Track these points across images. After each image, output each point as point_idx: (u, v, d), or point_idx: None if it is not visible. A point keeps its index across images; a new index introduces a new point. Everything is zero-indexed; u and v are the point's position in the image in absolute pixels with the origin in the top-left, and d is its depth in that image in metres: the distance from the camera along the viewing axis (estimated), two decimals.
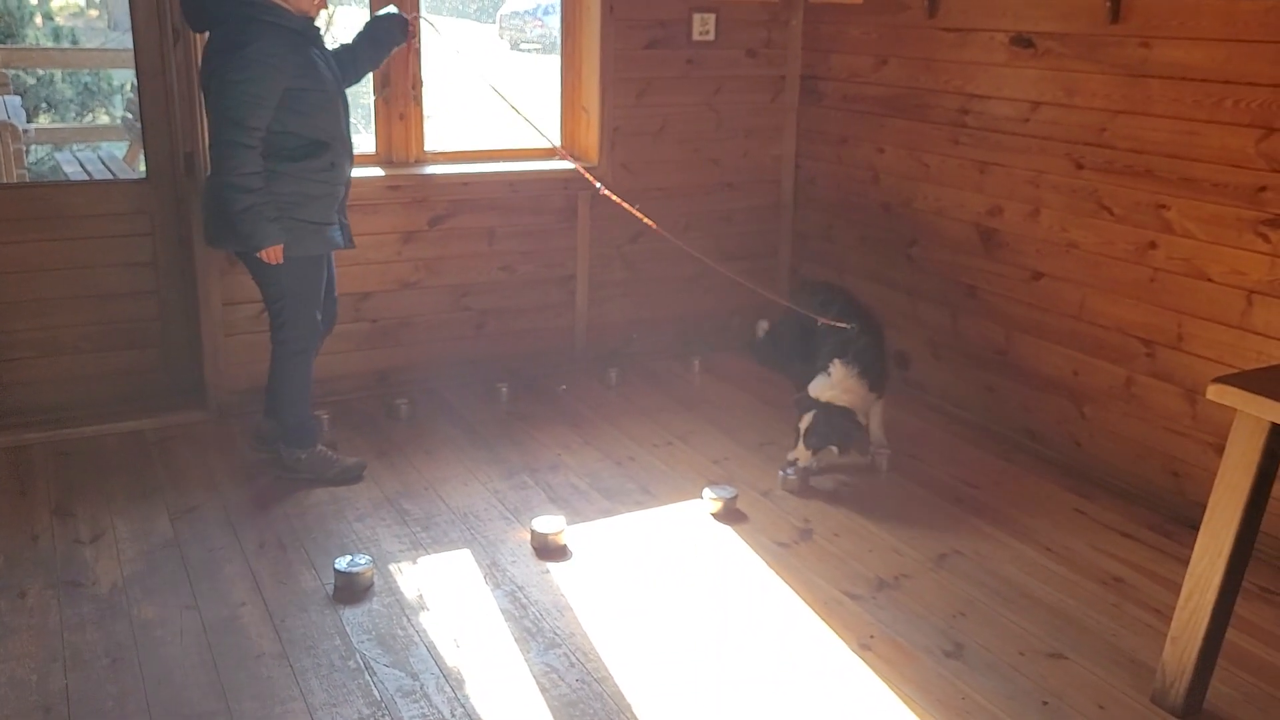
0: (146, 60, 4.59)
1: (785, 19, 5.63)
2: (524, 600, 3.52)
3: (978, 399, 4.97)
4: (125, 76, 9.44)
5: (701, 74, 5.49)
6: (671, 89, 5.45)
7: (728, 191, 5.76)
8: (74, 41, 10.07)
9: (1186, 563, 3.01)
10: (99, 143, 9.14)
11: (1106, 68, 4.19)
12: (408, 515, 4.04)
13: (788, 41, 5.67)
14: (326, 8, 3.99)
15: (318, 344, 4.28)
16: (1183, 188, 3.99)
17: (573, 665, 3.19)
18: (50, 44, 9.88)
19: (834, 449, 4.31)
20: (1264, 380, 2.81)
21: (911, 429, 4.92)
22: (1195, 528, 3.01)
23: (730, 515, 4.10)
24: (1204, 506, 2.94)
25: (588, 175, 4.82)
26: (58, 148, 9.03)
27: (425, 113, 5.11)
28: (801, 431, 4.29)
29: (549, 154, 5.04)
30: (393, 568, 3.68)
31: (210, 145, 3.92)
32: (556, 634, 3.34)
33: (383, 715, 2.96)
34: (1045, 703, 3.08)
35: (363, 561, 3.57)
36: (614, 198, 4.72)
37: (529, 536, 3.88)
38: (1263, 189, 3.74)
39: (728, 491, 4.14)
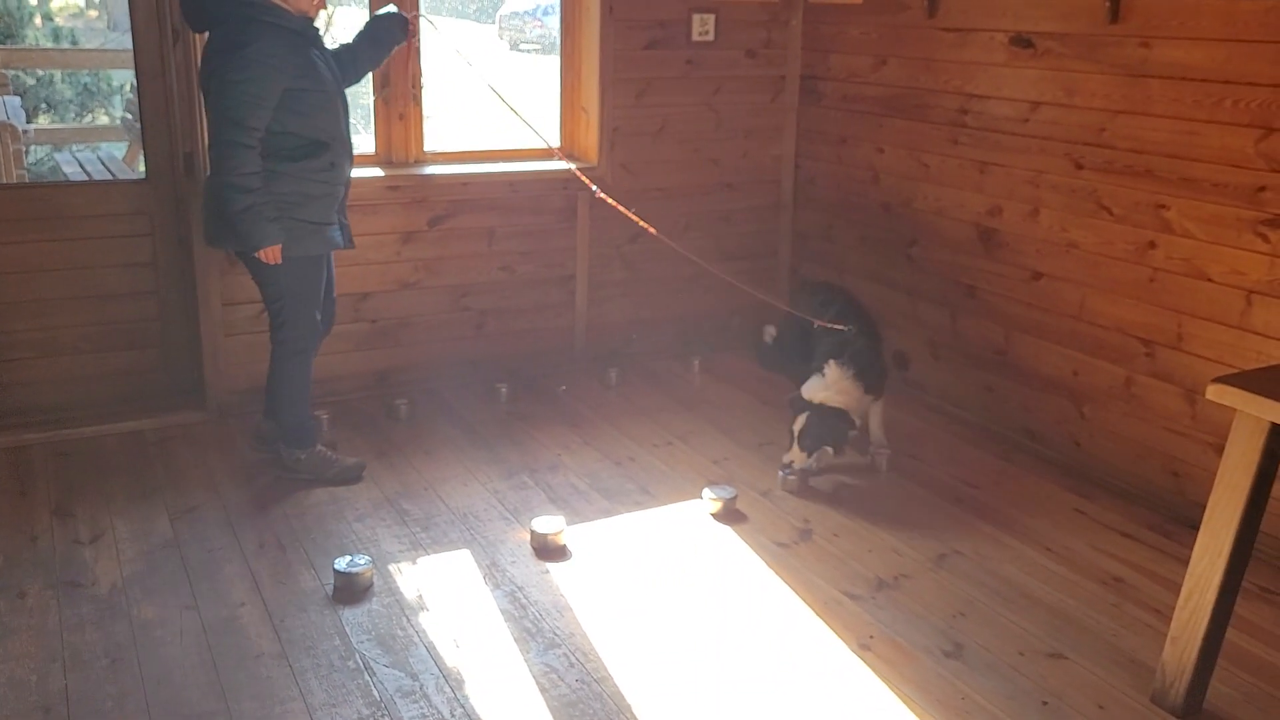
0: (146, 61, 4.59)
1: (785, 19, 5.63)
2: (523, 600, 3.52)
3: (977, 399, 4.97)
4: (125, 77, 9.44)
5: (701, 74, 5.49)
6: (671, 89, 5.45)
7: (727, 192, 5.76)
8: (73, 42, 10.07)
9: (1186, 563, 3.01)
10: (98, 143, 9.15)
11: (1106, 68, 4.19)
12: (407, 515, 4.04)
13: (787, 42, 5.67)
14: (326, 8, 3.99)
15: (317, 344, 4.28)
16: (1182, 188, 3.99)
17: (572, 665, 3.19)
18: (50, 44, 9.88)
19: (829, 450, 4.30)
20: (1264, 380, 2.81)
21: (911, 429, 4.92)
22: (1195, 528, 3.01)
23: (730, 515, 4.10)
24: (1204, 506, 2.94)
25: (584, 178, 4.82)
26: (57, 148, 9.03)
27: (425, 113, 5.11)
28: (795, 434, 4.28)
29: (549, 154, 5.05)
30: (392, 568, 3.68)
31: (210, 145, 3.92)
32: (556, 634, 3.34)
33: (382, 715, 2.96)
34: (1045, 703, 3.08)
35: (362, 562, 3.57)
36: (610, 200, 4.71)
37: (529, 537, 3.88)
38: (1262, 189, 3.74)
39: (727, 492, 4.14)
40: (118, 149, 8.67)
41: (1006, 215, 4.69)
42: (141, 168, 5.30)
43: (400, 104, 5.01)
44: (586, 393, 5.28)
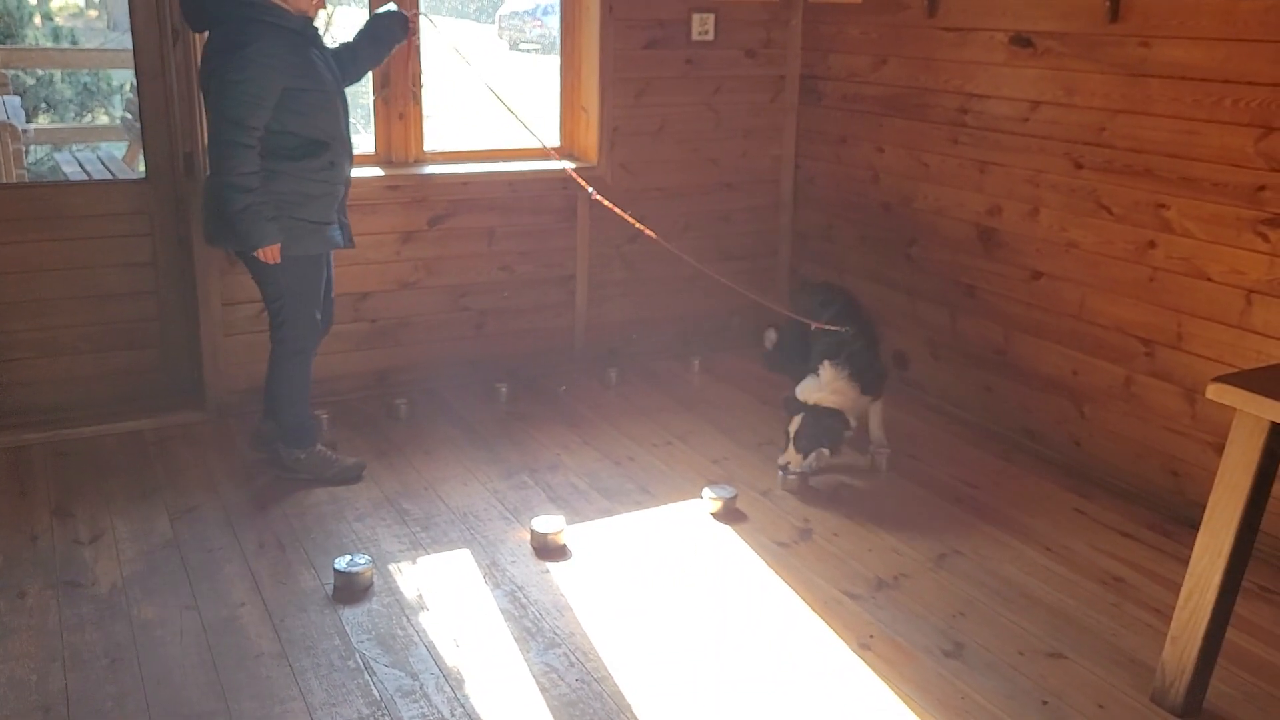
0: (146, 60, 4.59)
1: (785, 19, 5.63)
2: (523, 600, 3.52)
3: (977, 399, 4.97)
4: (124, 77, 9.44)
5: (701, 74, 5.49)
6: (671, 89, 5.45)
7: (727, 191, 5.76)
8: (73, 42, 10.07)
9: (1186, 562, 3.01)
10: (98, 143, 9.15)
11: (1106, 67, 4.19)
12: (407, 515, 4.04)
13: (787, 41, 5.67)
14: (325, 8, 3.99)
15: (317, 343, 4.28)
16: (1182, 187, 3.99)
17: (572, 665, 3.19)
18: (50, 44, 9.88)
19: (824, 451, 4.30)
20: (1263, 379, 2.81)
21: (911, 429, 4.92)
22: (1195, 527, 3.01)
23: (730, 515, 4.10)
24: (1204, 506, 2.94)
25: (580, 179, 4.81)
26: (57, 148, 9.04)
27: (425, 112, 5.11)
28: (791, 435, 4.28)
29: (548, 154, 5.04)
30: (392, 567, 3.68)
31: (209, 145, 3.92)
32: (556, 634, 3.34)
33: (382, 715, 2.96)
34: (1045, 702, 3.08)
35: (362, 561, 3.57)
36: (605, 202, 4.71)
37: (528, 536, 3.88)
38: (1262, 188, 3.74)
39: (727, 491, 4.14)
40: (117, 149, 8.67)
41: (1006, 215, 4.69)
42: (141, 167, 5.30)
43: (400, 103, 5.01)
44: (586, 392, 5.28)
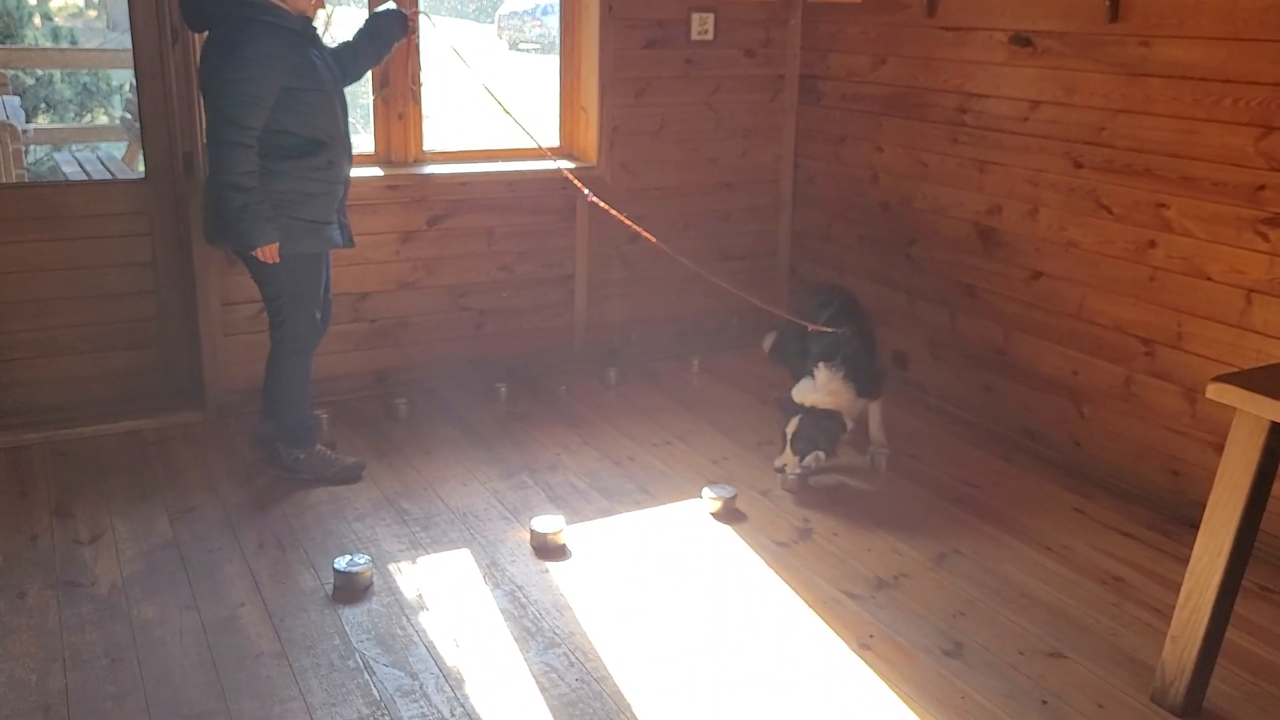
0: (145, 60, 4.59)
1: (784, 18, 5.63)
2: (523, 600, 3.52)
3: (977, 399, 4.97)
4: (124, 77, 9.44)
5: (700, 73, 5.49)
6: (670, 89, 5.45)
7: (726, 191, 5.76)
8: (73, 42, 10.07)
9: (1186, 562, 3.00)
10: (98, 143, 9.15)
11: (1106, 67, 4.19)
12: (407, 515, 4.04)
13: (786, 41, 5.67)
14: (324, 7, 3.98)
15: (316, 343, 4.27)
16: (1182, 187, 3.99)
17: (572, 665, 3.19)
18: (49, 44, 9.88)
19: (820, 454, 4.29)
20: (1264, 379, 2.81)
21: (910, 429, 4.91)
22: (1195, 527, 3.01)
23: (729, 515, 4.10)
24: (1204, 506, 2.94)
25: (575, 180, 4.81)
26: (57, 148, 9.04)
27: (424, 112, 5.11)
28: (789, 437, 4.27)
29: (544, 154, 5.02)
30: (392, 567, 3.68)
31: (207, 144, 3.92)
32: (556, 633, 3.34)
33: (382, 715, 2.96)
34: (1045, 702, 3.08)
35: (362, 561, 3.57)
36: (600, 204, 4.71)
37: (528, 536, 3.88)
38: (1262, 188, 3.74)
39: (727, 491, 4.14)
40: (117, 149, 8.68)
41: (1006, 214, 4.68)
42: (141, 167, 5.30)
43: (399, 103, 5.01)
44: (586, 392, 5.28)
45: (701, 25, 5.40)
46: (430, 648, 3.25)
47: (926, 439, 4.84)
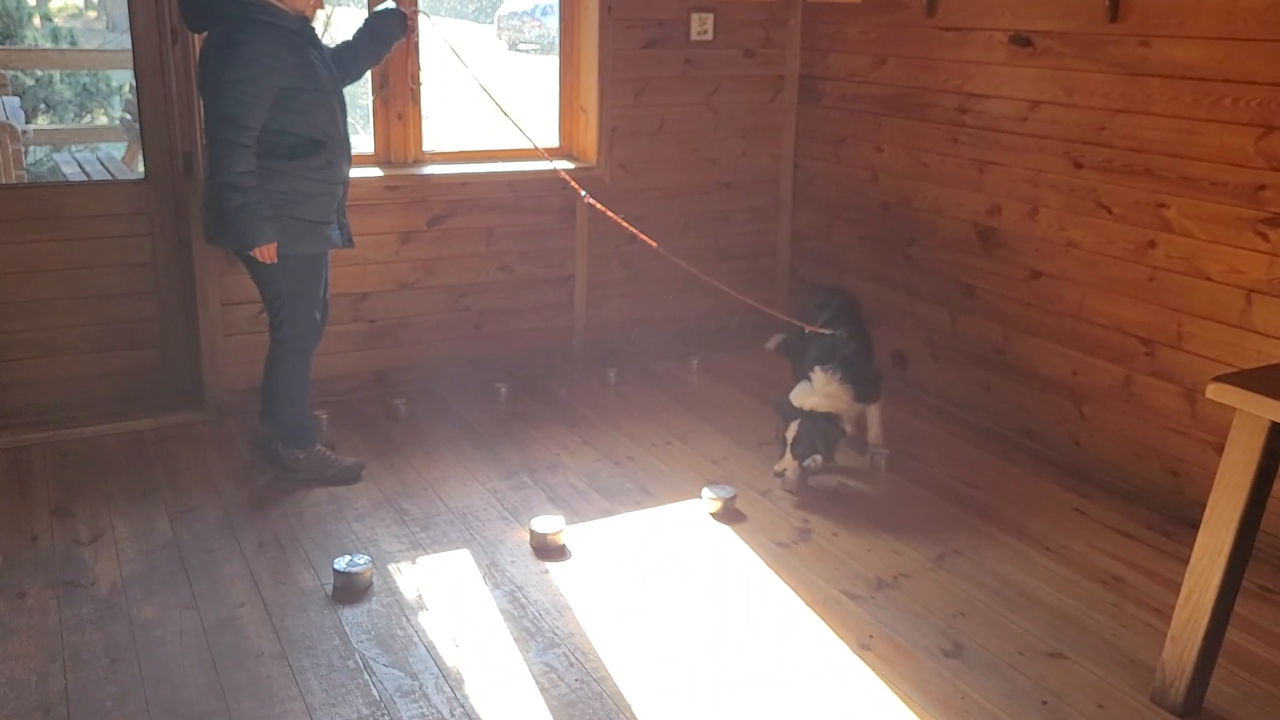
0: (145, 61, 4.59)
1: (783, 18, 5.63)
2: (523, 600, 3.52)
3: (976, 399, 4.97)
4: (124, 77, 9.44)
5: (700, 74, 5.49)
6: (670, 89, 5.45)
7: (726, 191, 5.76)
8: (72, 42, 10.07)
9: (1186, 562, 3.00)
10: (97, 144, 9.15)
11: (1105, 66, 4.19)
12: (407, 515, 4.04)
13: (786, 41, 5.67)
14: (323, 8, 3.98)
15: (315, 343, 4.27)
16: (1182, 186, 3.99)
17: (572, 665, 3.19)
18: (49, 45, 9.88)
19: (818, 457, 4.28)
20: (1264, 379, 2.81)
21: (910, 429, 4.91)
22: (1195, 527, 3.01)
23: (729, 515, 4.10)
24: (1203, 506, 2.94)
25: (572, 182, 4.81)
26: (56, 149, 9.04)
27: (424, 113, 5.11)
28: (789, 441, 4.26)
29: (541, 155, 5.01)
30: (392, 568, 3.68)
31: (206, 144, 3.92)
32: (555, 634, 3.34)
33: (382, 715, 2.96)
34: (1045, 702, 3.08)
35: (362, 561, 3.57)
36: (598, 205, 4.71)
37: (528, 536, 3.88)
38: (1262, 188, 3.74)
39: (727, 491, 4.14)
40: (117, 149, 8.68)
41: (1006, 214, 4.68)
42: (140, 168, 5.30)
43: (399, 104, 5.01)
44: (585, 392, 5.28)
45: (701, 25, 5.40)
46: (430, 648, 3.25)
47: (926, 439, 4.84)
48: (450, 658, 3.21)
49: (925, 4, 4.88)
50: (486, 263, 5.25)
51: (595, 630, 3.36)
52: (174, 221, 4.75)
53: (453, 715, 2.96)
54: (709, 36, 5.44)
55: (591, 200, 4.72)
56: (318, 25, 4.07)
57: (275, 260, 3.91)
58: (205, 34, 3.90)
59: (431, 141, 5.18)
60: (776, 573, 3.72)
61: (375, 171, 4.95)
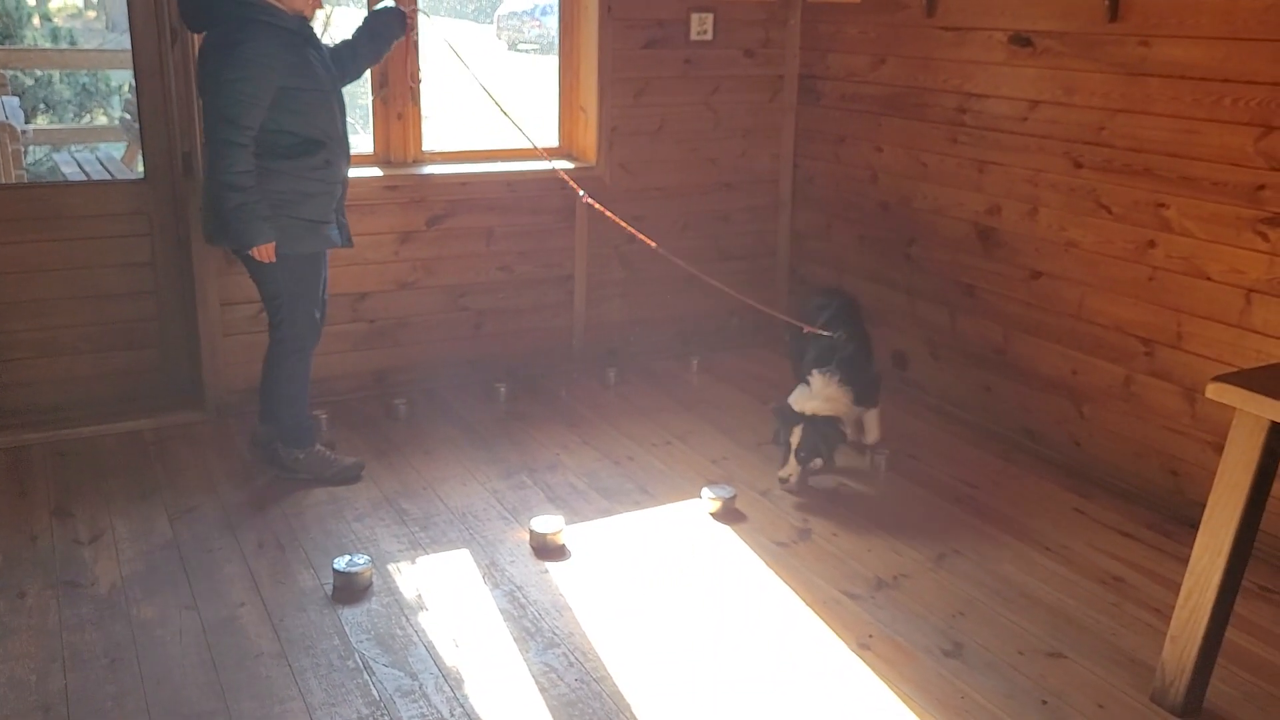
0: (144, 61, 4.59)
1: (783, 18, 5.63)
2: (523, 600, 3.51)
3: (976, 399, 4.97)
4: (123, 77, 9.44)
5: (699, 74, 5.49)
6: (669, 89, 5.45)
7: (726, 191, 5.76)
8: (72, 42, 10.07)
9: (1186, 562, 3.00)
10: (97, 143, 9.15)
11: (1105, 66, 4.18)
12: (406, 515, 4.04)
13: (786, 41, 5.67)
14: (322, 7, 3.98)
15: (315, 342, 4.27)
16: (1182, 186, 3.99)
17: (571, 665, 3.19)
18: (48, 45, 9.88)
19: (819, 460, 4.28)
20: (1263, 379, 2.81)
21: (910, 429, 4.91)
22: (1194, 527, 3.01)
23: (729, 515, 4.10)
24: (1203, 505, 2.94)
25: (571, 181, 4.81)
26: (56, 148, 9.04)
27: (423, 113, 5.11)
28: (793, 446, 4.23)
29: (540, 155, 5.01)
30: (391, 567, 3.68)
31: (204, 143, 3.92)
32: (555, 634, 3.34)
33: (381, 715, 2.95)
34: (1044, 702, 3.08)
35: (361, 561, 3.57)
36: (596, 205, 4.71)
37: (528, 536, 3.88)
38: (1261, 187, 3.74)
39: (726, 491, 4.14)
40: (116, 149, 8.68)
41: (1005, 214, 4.68)
42: (140, 168, 5.30)
43: (398, 104, 5.01)
44: (585, 392, 5.28)
45: (701, 25, 5.40)
46: (430, 648, 3.25)
47: (926, 439, 4.84)
48: (450, 657, 3.21)
49: (925, 4, 4.88)
50: (486, 263, 5.25)
51: (595, 630, 3.36)
52: (173, 221, 4.75)
53: (452, 715, 2.96)
54: (709, 36, 5.44)
55: (590, 200, 4.72)
56: (317, 25, 4.07)
57: (273, 260, 3.91)
58: (204, 34, 3.90)
59: (431, 141, 5.18)
60: (776, 572, 3.72)
61: (375, 171, 4.95)
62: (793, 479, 4.26)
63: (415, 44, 4.89)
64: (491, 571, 3.68)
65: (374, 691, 3.04)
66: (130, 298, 4.78)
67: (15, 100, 8.20)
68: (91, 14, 11.79)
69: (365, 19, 4.29)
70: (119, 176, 7.57)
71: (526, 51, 13.19)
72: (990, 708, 3.04)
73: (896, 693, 3.10)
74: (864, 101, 5.35)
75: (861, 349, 4.49)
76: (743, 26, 5.53)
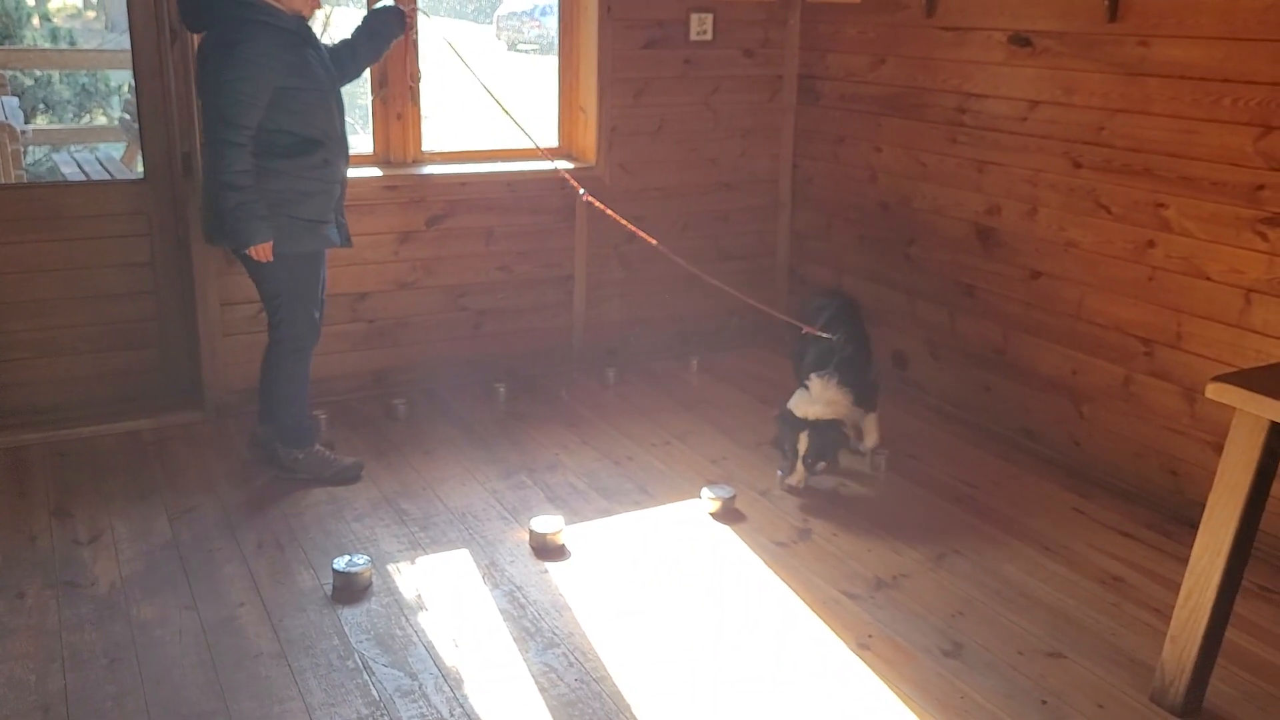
0: (144, 61, 4.59)
1: (783, 19, 5.63)
2: (522, 600, 3.51)
3: (976, 399, 4.97)
4: (123, 77, 9.44)
5: (699, 74, 5.49)
6: (669, 89, 5.45)
7: (725, 191, 5.76)
8: (71, 42, 10.07)
9: (1186, 562, 3.00)
10: (96, 144, 9.15)
11: (1105, 66, 4.19)
12: (406, 515, 4.04)
13: (785, 41, 5.67)
14: (321, 7, 3.98)
15: (314, 342, 4.27)
16: (1181, 186, 3.99)
17: (571, 665, 3.19)
18: (48, 45, 9.89)
19: (823, 463, 4.27)
20: (1263, 378, 2.81)
21: (910, 429, 4.91)
22: (1194, 527, 3.01)
23: (729, 515, 4.10)
24: (1203, 505, 2.94)
25: (571, 180, 4.81)
26: (55, 149, 9.04)
27: (423, 113, 5.11)
28: (800, 454, 4.20)
29: (540, 153, 5.01)
30: (391, 567, 3.68)
31: (203, 143, 3.92)
32: (555, 634, 3.34)
33: (381, 715, 2.95)
34: (1044, 702, 3.08)
35: (361, 561, 3.57)
36: (596, 203, 4.71)
37: (527, 536, 3.88)
38: (1261, 187, 3.74)
39: (726, 491, 4.14)
40: (116, 149, 8.68)
41: (1005, 214, 4.68)
42: (139, 168, 5.30)
43: (398, 104, 5.01)
44: (585, 392, 5.28)
45: (700, 25, 5.40)
46: (429, 648, 3.25)
47: (926, 439, 4.84)
48: (449, 657, 3.20)
49: (924, 4, 4.88)
50: (486, 263, 5.25)
51: (594, 630, 3.36)
52: (173, 221, 4.75)
53: (452, 715, 2.96)
54: (708, 36, 5.44)
55: (590, 198, 4.72)
56: (317, 25, 4.07)
57: (271, 259, 3.91)
58: (203, 34, 3.91)
59: (430, 141, 5.18)
60: (776, 573, 3.72)
61: (374, 171, 4.95)
62: (798, 485, 4.25)
63: (415, 43, 4.89)
64: (491, 571, 3.68)
65: (374, 691, 3.04)
66: (130, 298, 4.77)
67: (15, 100, 8.20)
68: (91, 14, 11.79)
69: (364, 18, 4.29)
70: (118, 177, 7.57)
71: (526, 52, 13.19)
72: (990, 708, 3.04)
73: (896, 693, 3.10)
74: (863, 102, 5.35)
75: (860, 351, 4.48)
76: (742, 26, 5.53)
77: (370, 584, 3.56)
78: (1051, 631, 3.41)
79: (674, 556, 3.81)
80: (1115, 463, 4.37)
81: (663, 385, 5.41)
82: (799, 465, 4.23)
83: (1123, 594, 3.64)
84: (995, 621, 3.46)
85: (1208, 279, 3.94)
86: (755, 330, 5.88)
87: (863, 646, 3.31)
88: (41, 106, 9.50)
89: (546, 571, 3.69)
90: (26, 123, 8.54)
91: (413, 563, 3.72)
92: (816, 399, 4.22)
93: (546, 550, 3.81)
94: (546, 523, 3.85)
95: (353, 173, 4.30)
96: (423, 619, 3.39)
